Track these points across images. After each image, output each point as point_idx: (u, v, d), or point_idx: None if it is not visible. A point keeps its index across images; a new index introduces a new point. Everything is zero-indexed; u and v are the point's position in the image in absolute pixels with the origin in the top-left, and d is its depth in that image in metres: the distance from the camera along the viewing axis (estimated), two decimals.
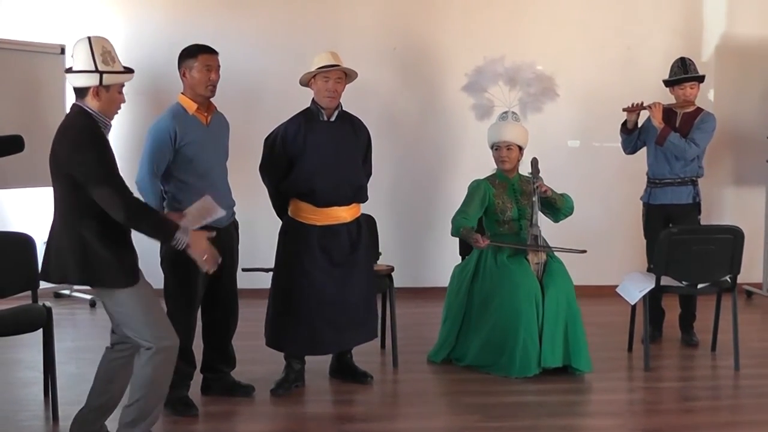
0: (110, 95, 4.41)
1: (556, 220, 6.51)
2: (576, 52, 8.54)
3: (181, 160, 5.19)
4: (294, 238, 5.66)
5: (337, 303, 5.63)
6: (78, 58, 4.37)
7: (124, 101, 4.50)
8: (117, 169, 4.39)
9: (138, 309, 4.39)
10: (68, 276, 4.41)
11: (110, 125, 4.49)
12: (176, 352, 4.54)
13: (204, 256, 4.51)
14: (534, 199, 6.23)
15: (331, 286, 5.62)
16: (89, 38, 4.37)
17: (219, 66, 5.30)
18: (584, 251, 6.35)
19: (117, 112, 4.51)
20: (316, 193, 5.58)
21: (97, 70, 4.33)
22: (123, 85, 4.49)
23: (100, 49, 4.36)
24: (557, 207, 6.37)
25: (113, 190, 4.27)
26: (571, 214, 6.48)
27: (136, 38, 8.07)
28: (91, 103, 4.38)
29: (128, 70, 4.48)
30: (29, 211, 8.00)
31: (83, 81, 4.37)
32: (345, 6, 8.47)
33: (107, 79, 4.36)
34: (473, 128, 7.45)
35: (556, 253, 6.28)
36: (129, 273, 4.40)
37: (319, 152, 5.59)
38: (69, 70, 4.44)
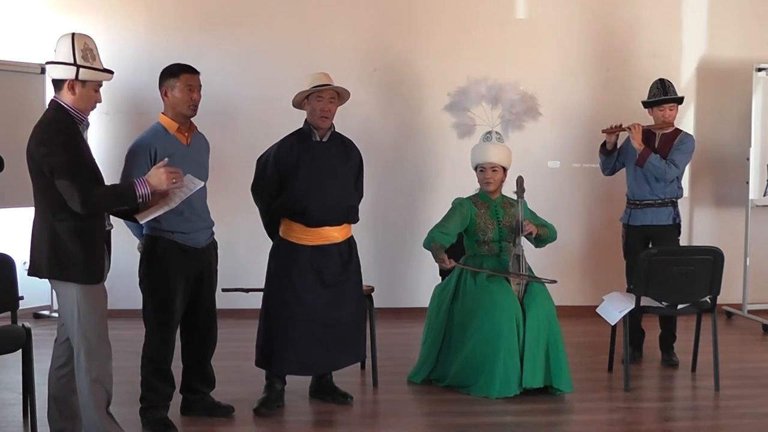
0: (86, 91, 4.46)
1: (537, 246, 6.52)
2: (556, 74, 8.58)
3: None
4: (285, 258, 5.65)
5: (327, 323, 5.63)
6: (59, 50, 4.44)
7: (100, 101, 4.57)
8: (86, 163, 4.42)
9: (85, 310, 4.41)
10: (41, 270, 4.44)
11: (87, 121, 4.52)
12: (108, 366, 4.55)
13: (167, 184, 4.52)
14: (518, 217, 6.24)
15: (322, 307, 5.62)
16: (73, 33, 4.45)
17: (200, 86, 5.31)
18: (554, 281, 6.33)
19: (92, 110, 4.57)
20: (308, 212, 5.57)
21: (74, 63, 4.37)
22: (100, 84, 4.53)
23: (81, 44, 4.43)
24: (542, 239, 6.40)
25: (71, 181, 4.29)
26: (554, 241, 6.50)
27: (117, 58, 8.02)
28: (65, 97, 4.44)
29: (107, 71, 4.52)
30: (9, 231, 7.95)
31: (60, 72, 4.43)
32: (326, 27, 8.48)
33: (84, 74, 4.41)
34: (454, 149, 7.48)
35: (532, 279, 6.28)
36: (93, 271, 4.43)
37: (311, 172, 5.59)
38: (49, 62, 4.50)
